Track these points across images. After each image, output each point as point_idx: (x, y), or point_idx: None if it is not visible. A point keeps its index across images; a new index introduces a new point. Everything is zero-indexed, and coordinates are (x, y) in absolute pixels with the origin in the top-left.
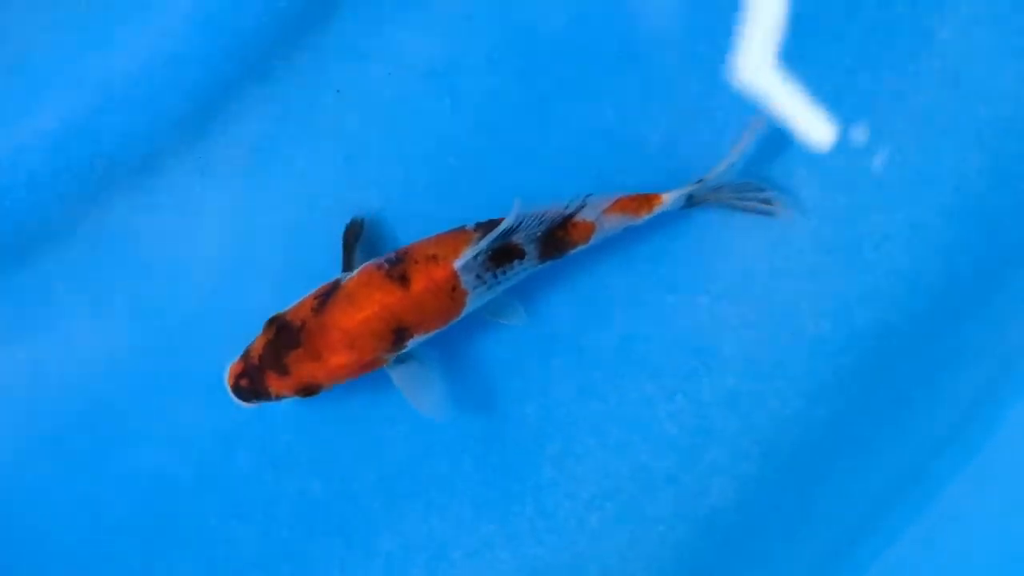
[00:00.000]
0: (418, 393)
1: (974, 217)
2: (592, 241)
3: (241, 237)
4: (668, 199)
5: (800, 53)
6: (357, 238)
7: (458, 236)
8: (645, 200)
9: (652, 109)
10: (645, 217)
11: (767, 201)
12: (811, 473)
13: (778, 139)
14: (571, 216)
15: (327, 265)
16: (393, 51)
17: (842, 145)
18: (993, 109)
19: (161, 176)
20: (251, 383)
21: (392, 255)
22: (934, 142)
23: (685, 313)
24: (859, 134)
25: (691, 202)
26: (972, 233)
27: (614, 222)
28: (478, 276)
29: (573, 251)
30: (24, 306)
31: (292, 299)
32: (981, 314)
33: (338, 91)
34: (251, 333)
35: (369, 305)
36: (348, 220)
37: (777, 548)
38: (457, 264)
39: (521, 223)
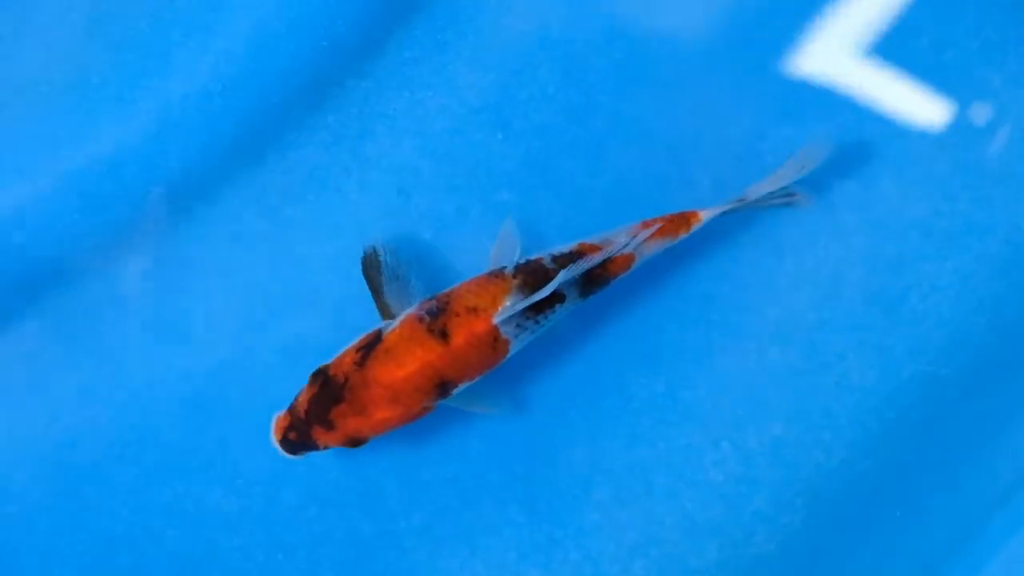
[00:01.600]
0: (475, 405)
1: (1022, 269)
2: (633, 269)
3: (292, 267)
4: (706, 217)
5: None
6: (379, 271)
7: (497, 284)
8: (683, 220)
9: (704, 151)
10: (684, 236)
11: (791, 194)
12: (855, 526)
13: (824, 186)
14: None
15: (371, 304)
16: (447, 83)
17: (890, 191)
18: None
19: (215, 204)
20: (298, 436)
21: (433, 304)
22: (986, 191)
23: (732, 360)
24: (907, 182)
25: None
26: (1021, 285)
27: (653, 247)
28: (518, 325)
29: (616, 279)
30: (74, 330)
31: (341, 331)
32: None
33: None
34: (300, 365)
35: (411, 362)
36: (362, 258)
37: None
38: (496, 319)
39: (559, 282)
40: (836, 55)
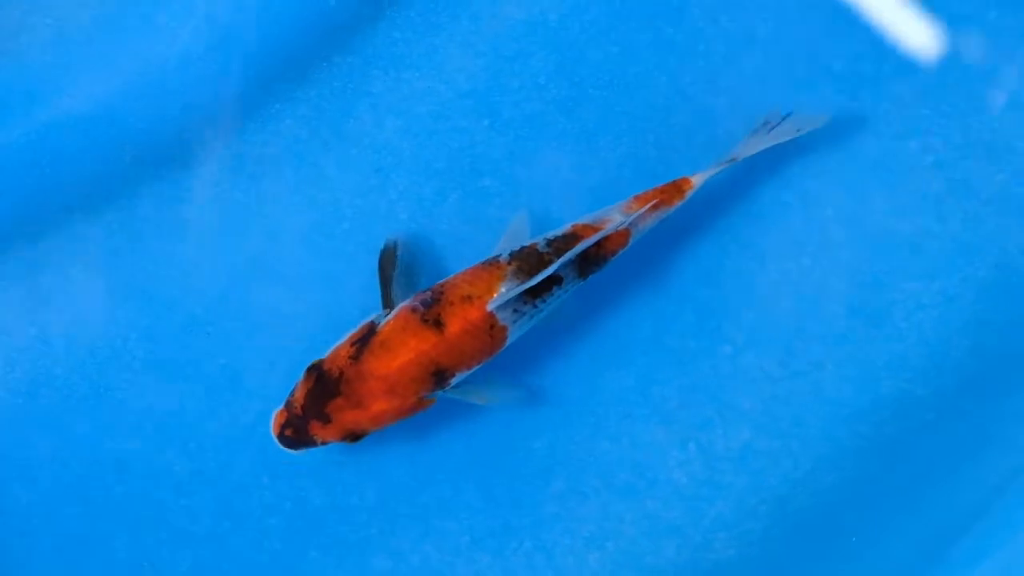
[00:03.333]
0: (478, 396)
1: (1010, 296)
2: (630, 243)
3: (262, 238)
4: (698, 181)
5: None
6: (394, 265)
7: (492, 271)
8: (676, 189)
9: (695, 151)
10: (679, 204)
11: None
12: (819, 539)
13: (815, 199)
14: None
15: (344, 274)
16: (436, 65)
17: (882, 207)
18: None
19: (190, 169)
20: (296, 432)
21: (427, 295)
22: (977, 212)
23: (706, 361)
24: (900, 198)
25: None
26: (1006, 312)
27: (648, 219)
28: (515, 311)
29: (613, 258)
30: (38, 282)
31: (304, 304)
32: (1009, 398)
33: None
34: (260, 334)
35: (405, 352)
36: (381, 248)
37: None
38: (491, 306)
39: (556, 267)
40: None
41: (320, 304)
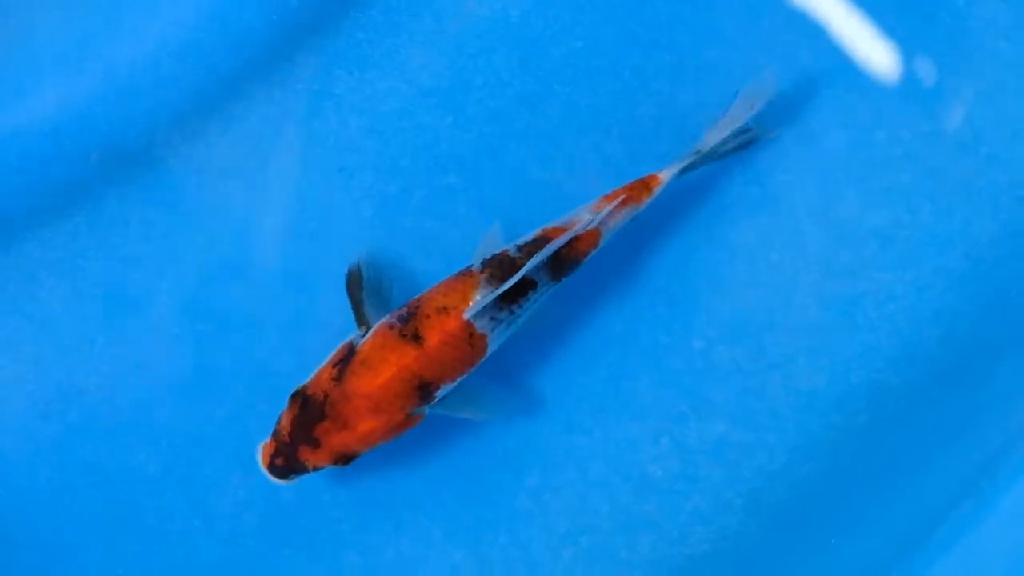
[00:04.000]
0: (470, 413)
1: (980, 285)
2: (602, 244)
3: (229, 239)
4: (666, 177)
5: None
6: (360, 287)
7: (465, 281)
8: (644, 186)
9: (661, 145)
10: (647, 201)
11: (747, 131)
12: (794, 530)
13: (784, 191)
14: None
15: (311, 273)
16: (399, 64)
17: (851, 198)
18: (1011, 176)
19: (155, 171)
20: (286, 461)
21: (403, 311)
22: (947, 202)
23: (678, 355)
24: (869, 190)
25: (685, 169)
26: (977, 302)
27: (617, 217)
28: (492, 318)
29: (586, 259)
30: (6, 288)
31: (271, 304)
32: (980, 388)
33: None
34: (229, 335)
35: (386, 368)
36: (346, 270)
37: None
38: (467, 315)
39: (526, 269)
40: (805, 58)
41: (288, 303)
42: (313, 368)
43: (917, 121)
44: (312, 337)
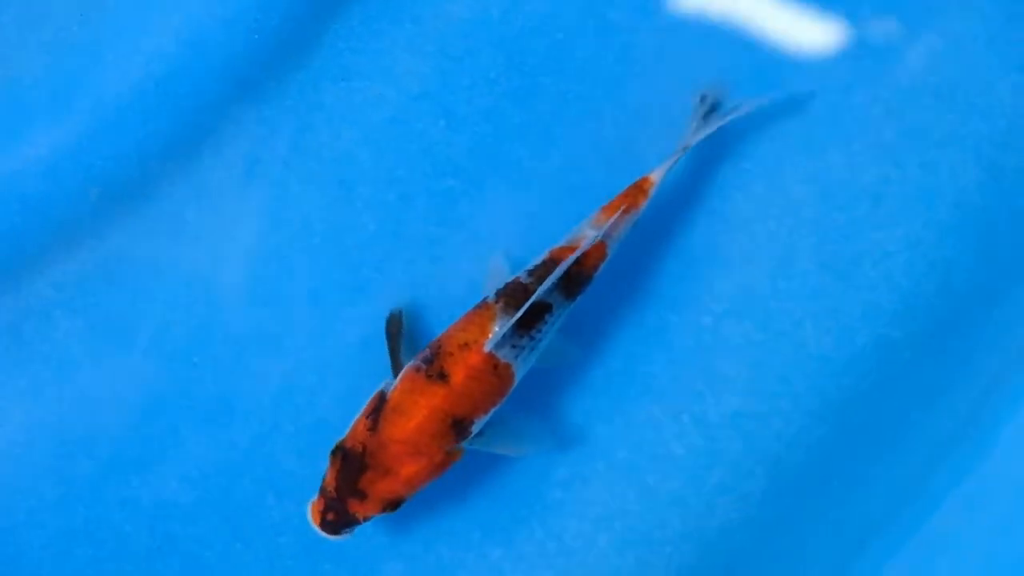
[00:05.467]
0: (511, 448)
1: (971, 232)
2: (609, 255)
3: (236, 261)
4: (657, 177)
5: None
6: (400, 335)
7: (483, 314)
8: (638, 190)
9: (652, 126)
10: (644, 203)
11: (735, 109)
12: (814, 490)
13: (773, 160)
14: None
15: (319, 286)
16: (385, 72)
17: (839, 161)
18: (991, 123)
19: (155, 201)
20: (336, 516)
21: (427, 352)
22: (932, 155)
23: (688, 334)
24: (855, 151)
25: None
26: (969, 248)
27: (620, 226)
28: (514, 346)
29: (596, 273)
30: (22, 332)
31: (287, 321)
32: (977, 329)
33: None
34: (246, 357)
35: (418, 411)
36: (386, 317)
37: (781, 565)
38: (488, 347)
39: (539, 293)
40: (779, 26)
41: (302, 320)
42: (335, 386)
43: (894, 78)
44: (329, 351)
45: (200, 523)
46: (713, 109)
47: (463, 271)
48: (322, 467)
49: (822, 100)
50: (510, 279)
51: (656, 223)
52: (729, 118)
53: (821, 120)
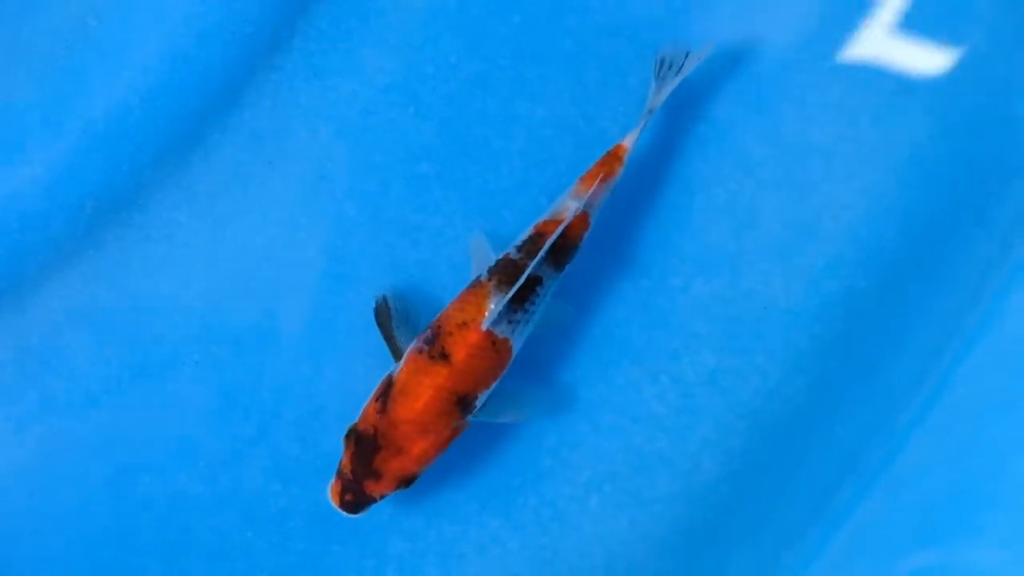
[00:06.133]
0: (513, 414)
1: (926, 180)
2: (592, 224)
3: (229, 261)
4: (630, 142)
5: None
6: (390, 320)
7: (477, 292)
8: (613, 157)
9: (610, 99)
10: (620, 170)
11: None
12: (793, 438)
13: (729, 121)
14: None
15: (309, 279)
16: (355, 68)
17: (792, 121)
18: (936, 74)
19: (148, 210)
20: (354, 496)
21: (427, 333)
22: (882, 108)
23: (661, 296)
24: (807, 108)
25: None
26: (924, 194)
27: (600, 194)
28: (510, 321)
29: (582, 241)
30: (31, 344)
31: (281, 315)
32: (938, 269)
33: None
34: (246, 352)
35: (424, 391)
36: (373, 309)
37: (765, 510)
38: (485, 324)
39: (531, 269)
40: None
41: (295, 312)
42: (331, 373)
43: (840, 37)
44: (322, 340)
45: (213, 515)
46: (671, 68)
47: (443, 251)
48: (324, 452)
49: (771, 61)
50: (500, 256)
51: (621, 191)
52: (684, 73)
53: (772, 80)
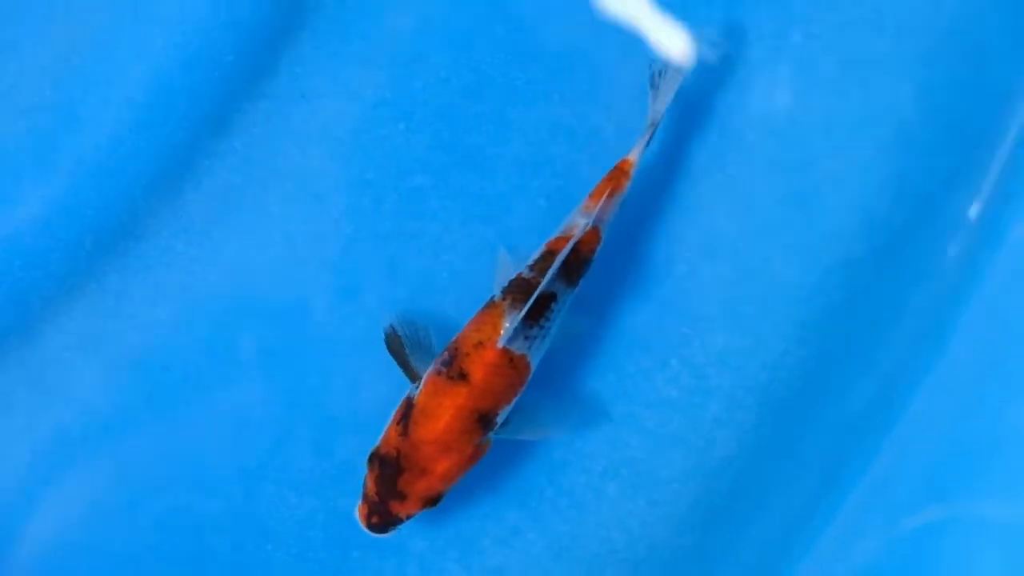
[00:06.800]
0: (537, 432)
1: (914, 149)
2: (604, 237)
3: (229, 284)
4: (636, 156)
5: (731, 15)
6: (402, 347)
7: (492, 312)
8: (620, 172)
9: (601, 99)
10: (628, 184)
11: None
12: (801, 410)
13: (723, 108)
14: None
15: (312, 297)
16: (342, 87)
17: (778, 101)
18: (921, 43)
19: (146, 239)
20: (381, 518)
21: (445, 355)
22: (869, 81)
23: (667, 282)
24: (797, 88)
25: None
26: (915, 163)
27: (609, 209)
28: (526, 337)
29: (594, 256)
30: (41, 380)
31: (287, 335)
32: (931, 234)
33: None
34: (254, 372)
35: (444, 412)
36: (384, 337)
37: (778, 480)
38: (501, 343)
39: (543, 286)
40: None
41: (299, 331)
42: (339, 383)
43: (825, 15)
44: (329, 353)
45: (231, 531)
46: (663, 75)
47: (443, 260)
48: (338, 461)
49: (758, 44)
50: (513, 276)
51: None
52: (679, 80)
53: (760, 63)
